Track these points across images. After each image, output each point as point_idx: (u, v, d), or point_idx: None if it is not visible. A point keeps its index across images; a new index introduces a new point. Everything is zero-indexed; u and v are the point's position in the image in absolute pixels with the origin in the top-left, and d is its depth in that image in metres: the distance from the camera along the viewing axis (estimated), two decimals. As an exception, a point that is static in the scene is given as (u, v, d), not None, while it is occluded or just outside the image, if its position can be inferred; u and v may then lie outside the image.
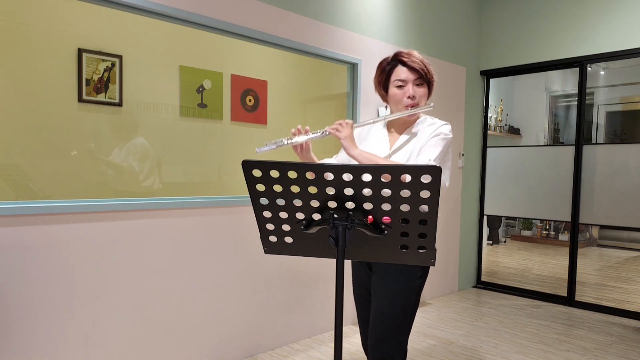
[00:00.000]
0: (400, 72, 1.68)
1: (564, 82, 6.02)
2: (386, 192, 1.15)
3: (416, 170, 1.10)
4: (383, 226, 1.22)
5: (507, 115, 5.80)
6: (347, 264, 2.26)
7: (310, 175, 1.17)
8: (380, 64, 1.75)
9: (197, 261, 2.65)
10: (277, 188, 1.21)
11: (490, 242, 6.18)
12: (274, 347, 3.04)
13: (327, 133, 1.67)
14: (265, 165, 1.18)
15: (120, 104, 2.51)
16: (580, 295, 4.19)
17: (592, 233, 6.05)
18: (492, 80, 4.80)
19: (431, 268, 4.18)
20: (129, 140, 2.60)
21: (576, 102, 4.14)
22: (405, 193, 1.14)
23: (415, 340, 3.23)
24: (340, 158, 1.88)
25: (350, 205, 1.19)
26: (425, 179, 1.10)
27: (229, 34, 2.78)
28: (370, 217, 1.22)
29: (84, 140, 2.42)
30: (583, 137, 4.12)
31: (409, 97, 1.66)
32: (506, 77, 4.76)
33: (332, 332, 3.37)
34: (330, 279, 3.36)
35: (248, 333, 2.90)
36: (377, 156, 1.62)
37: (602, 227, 5.62)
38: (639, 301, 4.13)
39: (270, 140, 1.74)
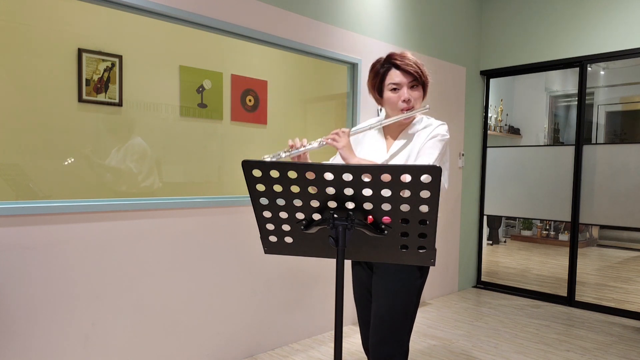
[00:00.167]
0: (394, 76, 1.66)
1: (564, 82, 6.02)
2: (386, 192, 1.15)
3: (416, 170, 1.10)
4: (383, 226, 1.22)
5: (507, 115, 5.80)
6: (347, 264, 2.26)
7: (310, 175, 1.17)
8: (373, 66, 1.72)
9: (197, 261, 2.65)
10: (277, 188, 1.21)
11: (490, 242, 6.18)
12: (274, 347, 3.04)
13: (324, 143, 1.65)
14: (265, 165, 1.18)
15: (120, 104, 2.51)
16: (580, 295, 4.19)
17: (592, 233, 6.05)
18: (492, 80, 4.80)
19: (431, 268, 4.18)
20: (129, 140, 2.59)
21: (576, 102, 4.14)
22: (405, 193, 1.14)
23: (415, 340, 3.23)
24: (339, 159, 1.87)
25: (350, 205, 1.19)
26: (425, 179, 1.10)
27: (229, 34, 2.78)
28: (370, 217, 1.22)
29: (84, 140, 2.42)
30: (583, 137, 4.12)
31: (404, 100, 1.65)
32: (506, 77, 4.76)
33: (332, 332, 3.37)
34: (330, 279, 3.36)
35: (248, 333, 2.90)
36: (376, 163, 1.62)
37: (602, 227, 5.62)
38: (639, 301, 4.13)
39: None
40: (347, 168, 1.14)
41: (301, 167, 1.17)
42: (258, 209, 1.28)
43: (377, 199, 1.16)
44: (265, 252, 1.39)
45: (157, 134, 2.71)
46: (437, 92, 4.18)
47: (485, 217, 4.89)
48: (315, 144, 1.64)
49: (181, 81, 2.76)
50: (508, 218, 6.44)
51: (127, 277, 2.37)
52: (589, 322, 3.73)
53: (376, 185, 1.14)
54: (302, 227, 1.27)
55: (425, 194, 1.13)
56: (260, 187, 1.23)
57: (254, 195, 1.25)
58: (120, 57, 2.49)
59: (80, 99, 2.37)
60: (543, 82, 6.06)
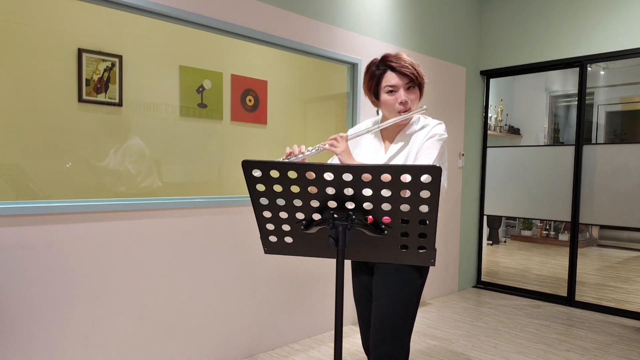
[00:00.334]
0: (390, 78, 1.65)
1: (564, 82, 6.02)
2: (386, 192, 1.14)
3: (416, 171, 1.10)
4: (383, 226, 1.22)
5: (507, 115, 5.80)
6: (347, 264, 2.26)
7: (310, 175, 1.17)
8: (368, 68, 1.71)
9: (197, 261, 2.65)
10: (277, 188, 1.21)
11: (490, 242, 6.18)
12: (274, 347, 3.04)
13: (322, 149, 1.64)
14: (265, 165, 1.18)
15: (120, 104, 2.51)
16: (580, 295, 4.19)
17: (592, 233, 6.05)
18: (492, 80, 4.79)
19: (431, 268, 4.17)
20: (127, 141, 2.59)
21: (576, 102, 4.14)
22: (406, 193, 1.14)
23: (415, 340, 3.23)
24: (337, 162, 1.87)
25: (350, 205, 1.19)
26: (426, 179, 1.10)
27: (229, 34, 2.78)
28: (370, 217, 1.22)
29: (84, 140, 2.42)
30: (583, 137, 4.12)
31: (401, 103, 1.65)
32: (506, 77, 4.76)
33: (332, 332, 3.37)
34: (330, 279, 3.36)
35: (248, 333, 2.90)
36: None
37: (602, 227, 5.62)
38: (639, 301, 4.13)
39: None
40: (347, 168, 1.14)
41: (301, 167, 1.17)
42: (258, 209, 1.28)
43: (377, 199, 1.16)
44: (265, 252, 1.39)
45: (157, 134, 2.70)
46: (437, 92, 4.19)
47: (485, 217, 4.89)
48: (313, 150, 1.64)
49: (181, 81, 2.76)
50: (508, 218, 6.44)
51: (127, 277, 2.37)
52: (589, 322, 3.73)
53: (376, 185, 1.14)
54: (302, 227, 1.27)
55: (425, 194, 1.13)
56: (260, 187, 1.23)
57: (254, 195, 1.25)
58: (120, 57, 2.49)
59: (80, 99, 2.37)
60: (543, 82, 6.06)
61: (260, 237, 1.35)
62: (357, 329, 2.77)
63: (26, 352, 2.07)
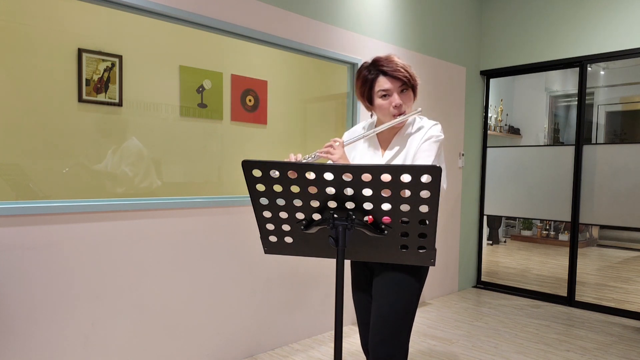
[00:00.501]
0: (383, 83, 1.64)
1: (564, 82, 6.02)
2: (386, 192, 1.14)
3: (416, 171, 1.10)
4: (383, 226, 1.22)
5: (507, 115, 5.80)
6: (347, 264, 2.26)
7: (310, 175, 1.17)
8: (360, 73, 1.70)
9: (197, 261, 2.65)
10: (277, 188, 1.21)
11: (490, 242, 6.18)
12: (274, 347, 3.04)
13: (319, 157, 1.63)
14: (265, 165, 1.18)
15: (120, 104, 2.51)
16: (580, 295, 4.19)
17: (592, 233, 6.05)
18: (492, 80, 4.79)
19: (431, 268, 4.17)
20: (125, 141, 2.59)
21: (576, 102, 4.14)
22: (405, 193, 1.14)
23: (415, 340, 3.23)
24: None
25: (350, 205, 1.19)
26: (426, 179, 1.10)
27: (229, 34, 2.78)
28: (370, 217, 1.22)
29: (84, 140, 2.42)
30: (583, 137, 4.12)
31: (395, 106, 1.64)
32: (506, 77, 4.76)
33: (332, 332, 3.37)
34: (330, 279, 3.36)
35: (248, 333, 2.90)
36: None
37: (602, 227, 5.62)
38: (639, 301, 4.13)
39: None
40: (347, 168, 1.14)
41: (301, 167, 1.17)
42: (258, 209, 1.28)
43: (377, 199, 1.16)
44: (265, 252, 1.39)
45: (157, 134, 2.70)
46: (437, 92, 4.19)
47: (485, 217, 4.89)
48: (309, 158, 1.63)
49: (181, 81, 2.76)
50: (508, 218, 6.43)
51: (127, 277, 2.37)
52: (589, 322, 3.73)
53: (376, 185, 1.14)
54: (302, 227, 1.27)
55: (425, 194, 1.13)
56: (260, 187, 1.23)
57: (254, 195, 1.25)
58: (120, 57, 2.49)
59: (80, 99, 2.37)
60: (543, 82, 6.06)
61: (260, 237, 1.35)
62: (357, 328, 2.77)
63: (26, 352, 2.07)
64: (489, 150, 4.77)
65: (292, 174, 1.19)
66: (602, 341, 3.29)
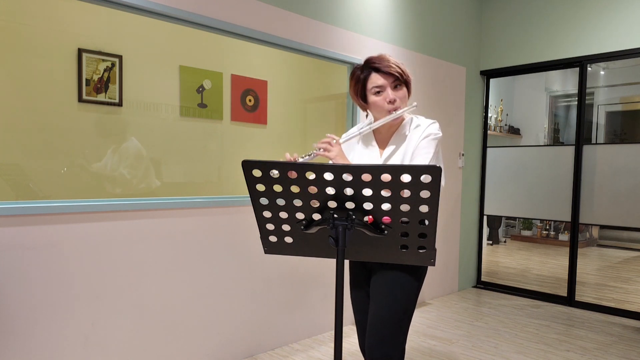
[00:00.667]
0: (376, 79, 1.65)
1: (564, 82, 6.02)
2: (386, 192, 1.14)
3: (416, 171, 1.10)
4: (383, 226, 1.22)
5: (507, 115, 5.80)
6: (345, 263, 2.26)
7: (310, 175, 1.17)
8: (353, 73, 1.72)
9: (197, 261, 2.65)
10: (277, 188, 1.21)
11: (490, 242, 6.18)
12: (274, 347, 3.04)
13: (316, 155, 1.62)
14: (265, 165, 1.18)
15: (120, 104, 2.51)
16: (580, 295, 4.19)
17: (592, 233, 6.05)
18: (492, 80, 4.79)
19: (431, 268, 4.15)
20: (125, 142, 2.59)
21: (576, 102, 4.14)
22: (405, 193, 1.14)
23: (415, 340, 3.23)
24: None
25: (350, 205, 1.19)
26: (425, 179, 1.10)
27: (229, 34, 2.78)
28: (370, 217, 1.22)
29: (84, 140, 2.42)
30: (583, 137, 4.12)
31: (389, 102, 1.64)
32: (506, 77, 4.76)
33: (332, 332, 3.37)
34: (330, 279, 3.36)
35: (248, 333, 2.90)
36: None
37: (602, 227, 5.62)
38: (639, 301, 4.13)
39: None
40: (347, 168, 1.14)
41: (301, 167, 1.17)
42: (258, 209, 1.28)
43: (377, 199, 1.16)
44: (265, 252, 1.39)
45: (157, 134, 2.71)
46: (437, 92, 4.19)
47: (485, 217, 4.89)
48: (306, 157, 1.62)
49: (181, 81, 2.76)
50: (508, 218, 6.44)
51: (127, 277, 2.37)
52: (589, 322, 3.73)
53: (376, 185, 1.14)
54: (302, 227, 1.27)
55: (425, 194, 1.13)
56: (260, 187, 1.23)
57: (254, 195, 1.25)
58: (120, 57, 2.49)
59: (80, 99, 2.37)
60: (543, 82, 6.06)
61: (260, 237, 1.35)
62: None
63: (26, 352, 2.07)
64: (489, 150, 4.77)
65: (292, 174, 1.19)
66: (602, 341, 3.29)
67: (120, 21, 2.48)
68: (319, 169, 1.15)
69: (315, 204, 1.21)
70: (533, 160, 4.45)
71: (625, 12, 3.82)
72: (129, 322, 2.38)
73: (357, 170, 1.13)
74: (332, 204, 1.21)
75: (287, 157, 1.60)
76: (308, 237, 1.31)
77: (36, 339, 2.09)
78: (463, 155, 4.55)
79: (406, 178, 1.11)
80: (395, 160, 1.67)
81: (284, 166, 1.18)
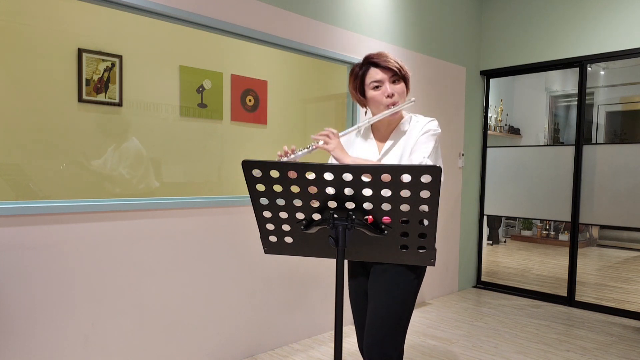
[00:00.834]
0: (374, 74, 1.66)
1: (564, 82, 6.02)
2: (386, 192, 1.14)
3: (416, 171, 1.10)
4: (383, 226, 1.22)
5: (507, 115, 5.80)
6: (346, 264, 2.26)
7: (310, 175, 1.17)
8: (353, 70, 1.73)
9: (197, 261, 2.65)
10: (277, 188, 1.21)
11: (490, 242, 6.18)
12: (274, 347, 3.04)
13: (315, 147, 1.63)
14: (265, 165, 1.18)
15: (120, 104, 2.51)
16: (580, 295, 4.19)
17: (592, 233, 6.05)
18: (492, 80, 4.79)
19: (431, 268, 4.15)
20: (126, 141, 2.59)
21: (576, 102, 4.14)
22: (405, 193, 1.14)
23: (415, 340, 3.23)
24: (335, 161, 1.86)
25: (350, 205, 1.19)
26: (425, 179, 1.10)
27: (229, 34, 2.78)
28: (370, 217, 1.22)
29: (84, 140, 2.42)
30: (583, 137, 4.12)
31: (387, 96, 1.65)
32: (506, 77, 4.76)
33: (332, 332, 3.37)
34: (330, 279, 3.36)
35: (248, 333, 2.90)
36: (371, 162, 1.61)
37: (602, 227, 5.62)
38: (639, 301, 4.13)
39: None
40: (347, 168, 1.14)
41: (301, 167, 1.17)
42: (258, 209, 1.28)
43: (377, 199, 1.16)
44: (265, 252, 1.39)
45: (157, 134, 2.71)
46: (437, 92, 4.19)
47: (485, 217, 4.89)
48: (305, 150, 1.62)
49: (181, 81, 2.76)
50: (508, 218, 6.44)
51: (127, 277, 2.37)
52: (589, 322, 3.73)
53: (376, 185, 1.14)
54: (302, 227, 1.27)
55: (425, 193, 1.13)
56: (260, 187, 1.23)
57: (254, 195, 1.25)
58: (120, 57, 2.49)
59: (80, 99, 2.37)
60: (543, 82, 6.06)
61: (260, 237, 1.35)
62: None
63: (26, 352, 2.07)
64: (489, 150, 4.77)
65: (292, 174, 1.19)
66: (602, 341, 3.29)
67: (120, 21, 2.48)
68: (319, 168, 1.15)
69: (315, 203, 1.21)
70: (533, 160, 4.45)
71: (625, 12, 3.82)
72: (129, 322, 2.38)
73: (357, 170, 1.13)
74: (332, 204, 1.21)
75: (285, 149, 1.61)
76: (308, 237, 1.31)
77: (36, 339, 2.09)
78: (463, 155, 4.55)
79: (406, 178, 1.11)
80: (394, 155, 1.67)
81: (284, 166, 1.18)
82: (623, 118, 5.90)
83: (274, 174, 1.19)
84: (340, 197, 1.19)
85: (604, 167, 4.00)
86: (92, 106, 2.42)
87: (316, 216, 1.25)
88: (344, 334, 3.23)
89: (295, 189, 1.20)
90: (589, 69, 4.10)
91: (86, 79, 2.38)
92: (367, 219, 1.23)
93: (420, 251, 1.25)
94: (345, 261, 1.90)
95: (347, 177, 1.15)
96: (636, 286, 4.56)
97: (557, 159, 4.29)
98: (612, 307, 3.97)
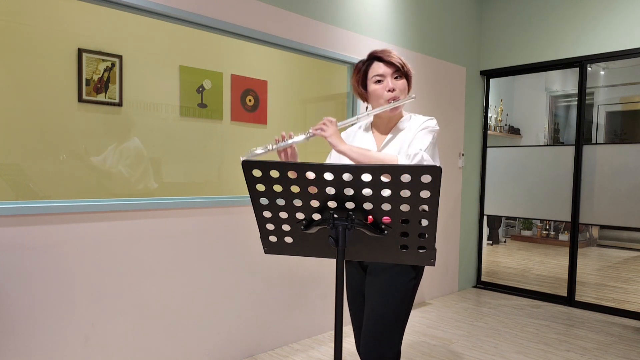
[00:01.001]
0: (378, 68, 1.68)
1: (564, 82, 6.02)
2: (386, 192, 1.14)
3: (416, 170, 1.10)
4: (383, 226, 1.22)
5: (507, 115, 5.80)
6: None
7: (310, 175, 1.17)
8: (356, 65, 1.76)
9: (197, 261, 2.65)
10: (277, 188, 1.21)
11: (490, 242, 6.18)
12: (274, 347, 3.04)
13: (312, 134, 1.65)
14: (266, 165, 1.18)
15: (120, 104, 2.51)
16: (580, 295, 4.19)
17: (592, 233, 6.05)
18: (492, 80, 4.79)
19: (431, 268, 4.15)
20: (127, 140, 2.59)
21: (576, 102, 4.14)
22: (405, 193, 1.14)
23: (415, 340, 3.23)
24: (334, 156, 1.87)
25: (350, 205, 1.19)
26: (425, 178, 1.10)
27: (229, 34, 2.78)
28: (370, 217, 1.22)
29: (83, 140, 2.42)
30: (583, 137, 4.11)
31: (389, 90, 1.66)
32: (506, 77, 4.76)
33: (332, 332, 3.37)
34: (330, 279, 3.36)
35: (248, 333, 2.90)
36: (367, 149, 1.61)
37: (602, 227, 5.62)
38: (639, 301, 4.13)
39: (257, 146, 1.70)
40: (347, 168, 1.14)
41: (301, 167, 1.17)
42: (258, 209, 1.28)
43: (377, 198, 1.16)
44: (265, 252, 1.39)
45: (157, 134, 2.71)
46: (437, 92, 4.19)
47: (485, 217, 4.89)
48: (302, 136, 1.64)
49: (181, 81, 2.76)
50: (508, 218, 6.43)
51: (127, 277, 2.37)
52: (589, 322, 3.73)
53: (376, 185, 1.14)
54: (302, 227, 1.27)
55: (425, 193, 1.13)
56: (260, 187, 1.23)
57: (254, 195, 1.25)
58: (120, 57, 2.49)
59: (80, 99, 2.37)
60: (543, 82, 6.06)
61: (260, 237, 1.35)
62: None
63: (26, 352, 2.07)
64: (489, 150, 4.77)
65: (292, 174, 1.19)
66: (602, 341, 3.29)
67: (120, 21, 2.48)
68: (319, 168, 1.15)
69: (314, 190, 1.21)
70: (533, 160, 4.45)
71: (625, 12, 3.82)
72: (129, 322, 2.38)
73: (357, 170, 1.13)
74: (332, 204, 1.21)
75: (283, 134, 1.63)
76: (308, 237, 1.31)
77: (36, 339, 2.09)
78: (463, 155, 4.55)
79: (406, 178, 1.11)
80: (392, 147, 1.69)
81: (284, 166, 1.18)
82: (623, 118, 5.90)
83: (274, 174, 1.19)
84: (340, 197, 1.19)
85: (604, 167, 4.00)
86: (92, 106, 2.42)
87: (316, 216, 1.25)
88: (344, 334, 3.23)
89: (295, 189, 1.20)
90: (589, 69, 4.10)
91: (86, 79, 2.38)
92: (367, 219, 1.23)
93: (420, 251, 1.25)
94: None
95: (347, 177, 1.15)
96: (636, 286, 4.56)
97: (557, 159, 4.29)
98: (612, 307, 3.97)
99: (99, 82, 2.42)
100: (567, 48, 4.15)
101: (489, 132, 4.83)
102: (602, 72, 5.47)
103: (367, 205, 1.18)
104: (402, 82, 1.69)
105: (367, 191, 1.16)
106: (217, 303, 2.74)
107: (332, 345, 3.14)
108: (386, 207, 1.17)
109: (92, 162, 2.46)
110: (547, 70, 4.39)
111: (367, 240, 1.27)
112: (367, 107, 1.80)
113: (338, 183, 1.16)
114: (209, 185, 2.97)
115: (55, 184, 2.35)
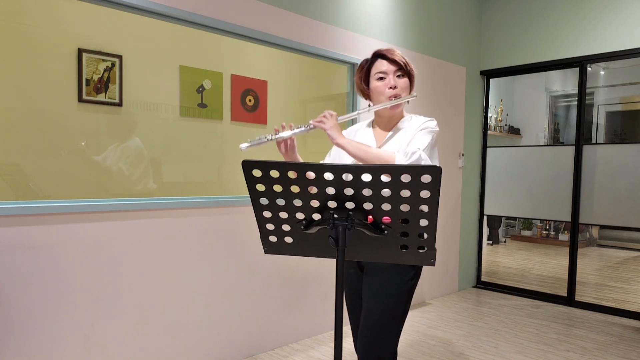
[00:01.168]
0: (380, 65, 1.70)
1: (564, 82, 6.02)
2: (386, 192, 1.14)
3: (416, 170, 1.10)
4: (383, 226, 1.22)
5: (507, 115, 5.80)
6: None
7: (310, 175, 1.17)
8: (360, 63, 1.78)
9: (196, 261, 2.65)
10: (277, 188, 1.21)
11: (490, 242, 6.18)
12: (274, 347, 3.04)
13: (312, 126, 1.66)
14: (266, 165, 1.18)
15: (120, 104, 2.51)
16: (580, 295, 4.19)
17: (592, 233, 6.05)
18: (492, 80, 4.79)
19: (431, 268, 4.15)
20: (128, 140, 2.59)
21: (576, 102, 4.14)
22: (405, 193, 1.14)
23: (415, 340, 3.23)
24: (334, 155, 1.87)
25: (350, 205, 1.19)
26: (425, 178, 1.10)
27: (229, 34, 2.78)
28: (370, 217, 1.22)
29: (83, 140, 2.42)
30: (583, 137, 4.12)
31: (390, 87, 1.68)
32: (506, 77, 4.76)
33: (332, 332, 3.37)
34: (330, 279, 3.36)
35: (248, 333, 2.90)
36: (365, 144, 1.62)
37: (602, 227, 5.62)
38: (639, 301, 4.13)
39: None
40: (347, 168, 1.14)
41: (301, 167, 1.17)
42: (258, 209, 1.28)
43: (377, 198, 1.16)
44: (265, 252, 1.39)
45: (157, 134, 2.71)
46: (437, 92, 4.19)
47: (485, 217, 4.89)
48: (302, 128, 1.66)
49: (181, 81, 2.76)
50: (508, 218, 6.44)
51: (126, 277, 2.37)
52: (589, 322, 3.73)
53: (376, 185, 1.14)
54: (302, 227, 1.27)
55: (425, 193, 1.13)
56: (260, 187, 1.23)
57: (254, 195, 1.25)
58: (120, 57, 2.49)
59: (80, 99, 2.37)
60: (543, 82, 6.06)
61: (260, 237, 1.35)
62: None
63: (26, 352, 2.07)
64: (489, 150, 4.77)
65: (292, 174, 1.19)
66: (602, 341, 3.29)
67: (120, 21, 2.47)
68: (319, 168, 1.15)
69: (314, 190, 1.21)
70: (533, 160, 4.45)
71: (625, 12, 3.82)
72: (129, 322, 2.38)
73: (357, 170, 1.13)
74: (332, 204, 1.21)
75: (283, 124, 1.66)
76: (308, 237, 1.31)
77: (36, 339, 2.09)
78: (463, 155, 4.55)
79: (406, 178, 1.11)
80: (392, 145, 1.70)
81: (284, 166, 1.18)
82: (623, 118, 5.90)
83: (274, 174, 1.19)
84: (340, 197, 1.19)
85: (604, 167, 4.00)
86: (92, 106, 2.42)
87: (316, 216, 1.25)
88: (344, 334, 3.23)
89: (295, 189, 1.20)
90: (589, 69, 4.10)
91: (86, 79, 2.38)
92: (367, 218, 1.23)
93: (420, 251, 1.25)
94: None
95: (347, 177, 1.15)
96: (636, 286, 4.56)
97: (557, 159, 4.29)
98: (612, 307, 3.97)
99: (99, 82, 2.42)
100: (567, 48, 4.15)
101: (489, 132, 4.83)
102: (602, 72, 5.47)
103: (367, 205, 1.18)
104: (404, 81, 1.70)
105: (367, 191, 1.16)
106: (217, 303, 2.74)
107: (332, 345, 3.14)
108: (386, 207, 1.17)
109: (92, 162, 2.46)
110: (547, 70, 4.39)
111: (367, 240, 1.27)
112: (369, 105, 1.80)
113: (338, 183, 1.16)
114: (209, 185, 2.97)
115: (55, 184, 2.35)
